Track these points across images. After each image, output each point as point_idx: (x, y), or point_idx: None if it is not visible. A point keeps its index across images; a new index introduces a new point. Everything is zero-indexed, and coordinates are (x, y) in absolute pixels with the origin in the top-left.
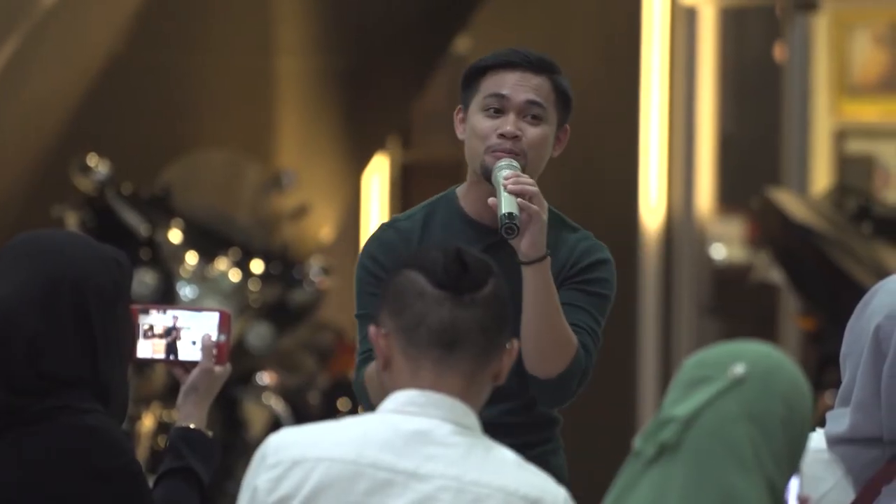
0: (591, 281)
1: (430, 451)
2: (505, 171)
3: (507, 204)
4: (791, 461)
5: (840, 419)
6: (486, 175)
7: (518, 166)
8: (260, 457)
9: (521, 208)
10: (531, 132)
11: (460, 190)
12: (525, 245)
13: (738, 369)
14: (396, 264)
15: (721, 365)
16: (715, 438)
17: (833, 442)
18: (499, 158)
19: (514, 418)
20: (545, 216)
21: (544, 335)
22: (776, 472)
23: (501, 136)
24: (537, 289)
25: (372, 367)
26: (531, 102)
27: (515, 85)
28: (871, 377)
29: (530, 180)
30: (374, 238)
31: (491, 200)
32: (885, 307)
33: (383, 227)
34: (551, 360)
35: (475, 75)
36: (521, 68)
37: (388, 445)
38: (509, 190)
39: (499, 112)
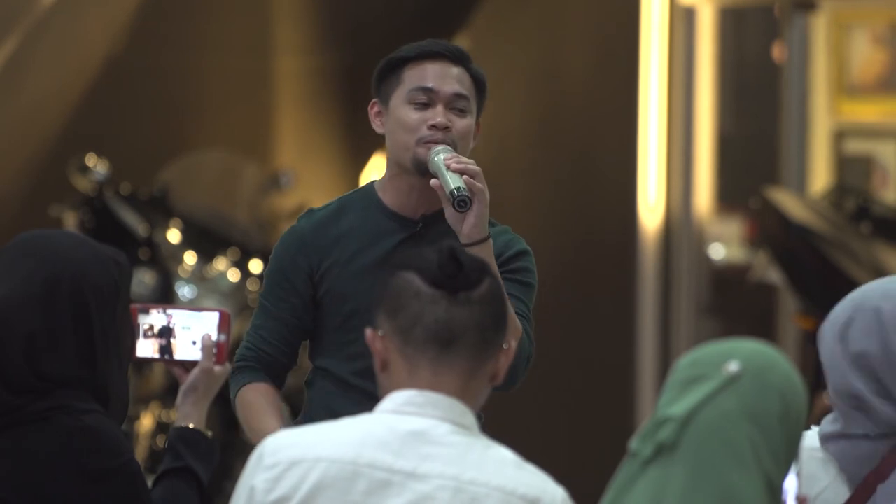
0: (518, 270)
1: (427, 451)
2: (442, 153)
3: (454, 180)
4: (788, 457)
5: (833, 418)
6: (418, 167)
7: (453, 150)
8: (257, 457)
9: (469, 185)
10: (459, 123)
11: (378, 183)
12: (468, 226)
13: (733, 367)
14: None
15: (715, 363)
16: (713, 436)
17: (825, 439)
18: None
19: None
20: (488, 196)
21: None
22: (774, 469)
23: (433, 126)
24: None
25: (245, 393)
26: (457, 95)
27: (440, 76)
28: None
29: (472, 161)
30: (290, 228)
31: (433, 182)
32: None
33: (299, 217)
34: None
35: (394, 67)
36: (441, 59)
37: (386, 445)
38: (453, 168)
39: (425, 105)
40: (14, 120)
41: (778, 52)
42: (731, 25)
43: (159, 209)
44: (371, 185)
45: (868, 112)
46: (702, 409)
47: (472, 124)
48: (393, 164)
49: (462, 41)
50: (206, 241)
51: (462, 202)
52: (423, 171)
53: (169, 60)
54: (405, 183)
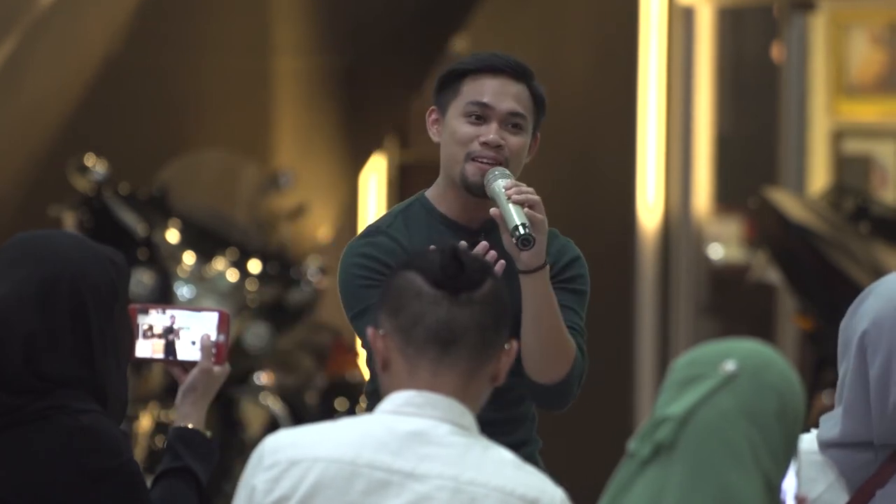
0: (572, 279)
1: (426, 452)
2: (500, 180)
3: (517, 215)
4: (786, 456)
5: (832, 425)
6: (465, 183)
7: (510, 175)
8: (257, 457)
9: (530, 218)
10: (513, 141)
11: (431, 193)
12: (528, 255)
13: (730, 366)
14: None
15: (712, 363)
16: (711, 436)
17: (825, 446)
18: (482, 167)
19: (499, 414)
20: (547, 225)
21: (546, 342)
22: (772, 468)
23: (484, 143)
24: (537, 296)
25: None
26: (513, 113)
27: (498, 93)
28: (858, 383)
29: (531, 189)
30: (366, 243)
31: (493, 211)
32: (872, 312)
33: (372, 234)
34: (554, 366)
35: (454, 78)
36: (502, 74)
37: (385, 446)
38: (514, 200)
39: (480, 119)
40: (13, 120)
41: (777, 52)
42: (730, 25)
43: (158, 209)
44: (423, 195)
45: (867, 112)
46: (699, 408)
47: (526, 142)
48: (446, 176)
49: (461, 41)
50: (205, 241)
51: (525, 241)
52: (471, 189)
53: (168, 60)
54: (459, 194)
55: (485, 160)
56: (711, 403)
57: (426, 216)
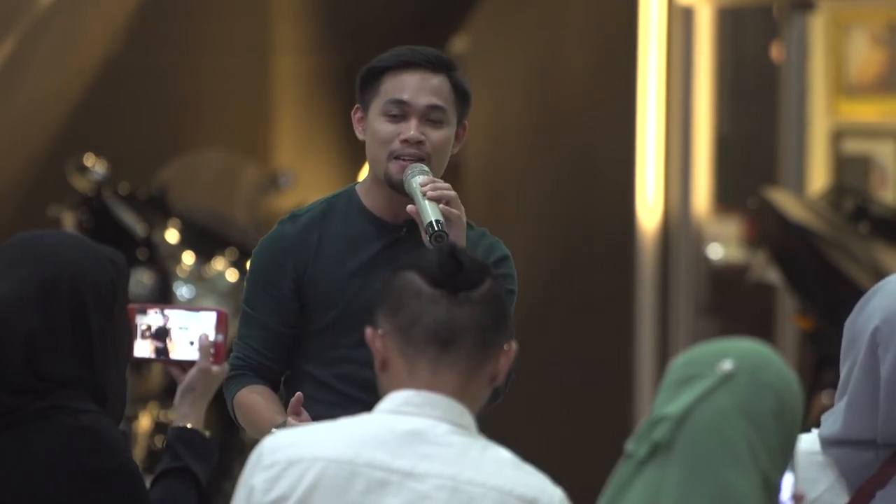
0: (500, 277)
1: (425, 451)
2: (419, 177)
3: (432, 211)
4: (784, 455)
5: (834, 420)
6: (389, 182)
7: (429, 171)
8: (256, 457)
9: (445, 214)
10: (434, 136)
11: (360, 187)
12: None
13: (727, 365)
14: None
15: (709, 363)
16: (709, 435)
17: (827, 443)
18: (404, 165)
19: None
20: (464, 219)
21: None
22: (770, 467)
23: (404, 141)
24: None
25: (241, 395)
26: (432, 107)
27: (416, 88)
28: (866, 380)
29: (447, 185)
30: (273, 232)
31: (410, 208)
32: (883, 309)
33: (282, 222)
34: None
35: (374, 76)
36: (420, 69)
37: (384, 445)
38: (429, 196)
39: (399, 116)
40: (13, 120)
41: (776, 52)
42: (730, 25)
43: (158, 209)
44: (353, 188)
45: (866, 112)
46: (696, 407)
47: (448, 136)
48: (372, 172)
49: (461, 41)
50: (205, 241)
51: (438, 237)
52: (395, 187)
53: (168, 60)
54: (384, 191)
55: (406, 157)
56: (709, 403)
57: (350, 209)
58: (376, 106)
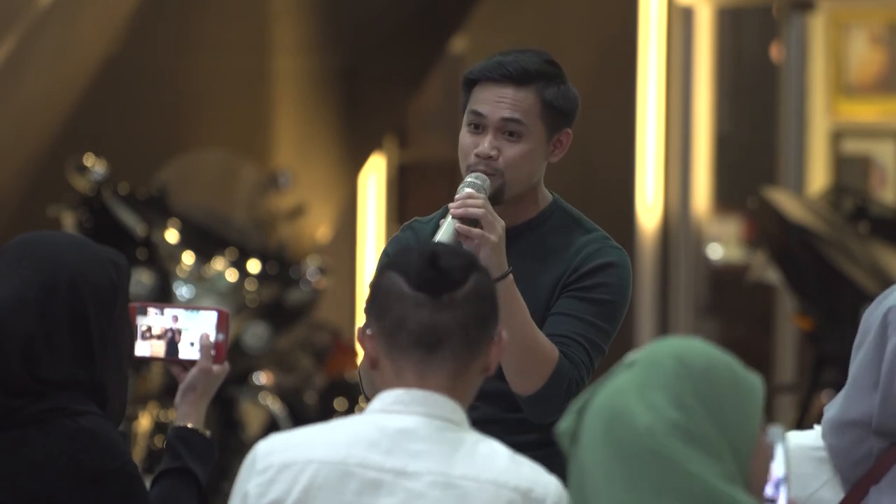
0: (590, 287)
1: (417, 449)
2: (464, 189)
3: (443, 231)
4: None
5: (834, 403)
6: None
7: (484, 180)
8: (250, 462)
9: (463, 235)
10: (509, 150)
11: None
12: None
13: (632, 356)
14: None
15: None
16: (603, 410)
17: (827, 428)
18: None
19: (509, 414)
20: (494, 237)
21: (516, 353)
22: (687, 419)
23: (477, 155)
24: (502, 307)
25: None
26: (508, 120)
27: (494, 101)
28: (872, 359)
29: (478, 202)
30: (394, 237)
31: (442, 222)
32: None
33: (403, 227)
34: (527, 377)
35: (468, 85)
36: (501, 82)
37: (376, 445)
38: (453, 214)
39: (479, 128)
40: (12, 120)
41: (776, 52)
42: (729, 25)
43: (157, 209)
44: None
45: (866, 112)
46: (596, 394)
47: (526, 150)
48: None
49: (459, 42)
50: (204, 240)
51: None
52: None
53: (167, 60)
54: None
55: (479, 171)
56: (606, 387)
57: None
58: (465, 116)
